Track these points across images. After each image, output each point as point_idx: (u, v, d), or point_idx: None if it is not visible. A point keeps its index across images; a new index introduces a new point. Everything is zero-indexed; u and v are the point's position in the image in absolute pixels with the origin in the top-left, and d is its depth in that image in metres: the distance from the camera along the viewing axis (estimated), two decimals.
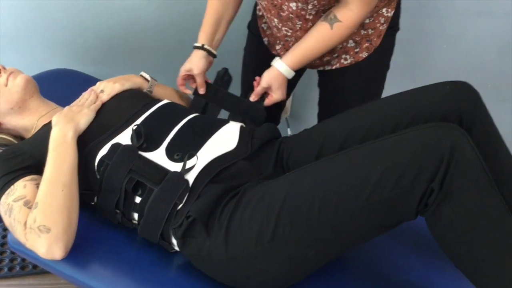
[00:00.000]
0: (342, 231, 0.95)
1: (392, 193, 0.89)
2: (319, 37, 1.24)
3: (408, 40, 1.88)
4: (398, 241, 1.18)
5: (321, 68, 1.41)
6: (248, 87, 1.39)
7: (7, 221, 1.06)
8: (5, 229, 1.70)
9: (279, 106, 1.66)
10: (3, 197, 1.07)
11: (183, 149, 1.11)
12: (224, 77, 1.41)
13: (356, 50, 1.33)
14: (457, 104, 1.04)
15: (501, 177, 1.00)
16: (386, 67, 1.43)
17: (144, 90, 1.34)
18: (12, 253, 1.62)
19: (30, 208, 1.04)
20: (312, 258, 0.99)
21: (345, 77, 1.39)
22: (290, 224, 0.94)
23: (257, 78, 1.33)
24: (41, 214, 1.01)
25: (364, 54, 1.34)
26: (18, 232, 1.04)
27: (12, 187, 1.07)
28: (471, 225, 0.88)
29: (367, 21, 1.29)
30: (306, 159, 1.14)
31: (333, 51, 1.34)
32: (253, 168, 1.13)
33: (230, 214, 0.99)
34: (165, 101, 1.27)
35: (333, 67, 1.38)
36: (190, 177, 1.06)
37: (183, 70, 1.36)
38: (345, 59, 1.35)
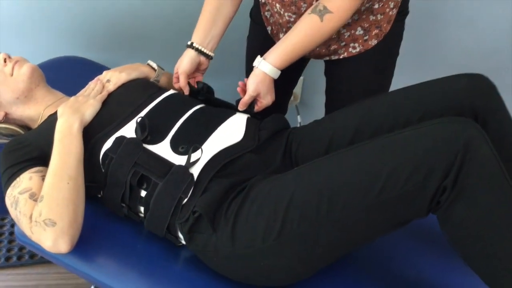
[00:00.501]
0: (351, 228, 0.93)
1: (403, 191, 0.86)
2: (307, 31, 1.14)
3: (421, 25, 1.84)
4: (408, 237, 1.16)
5: (327, 58, 1.36)
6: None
7: (13, 213, 1.06)
8: None
9: (286, 95, 1.63)
10: (9, 189, 1.06)
11: (188, 141, 1.09)
12: (203, 90, 1.32)
13: (365, 38, 1.28)
14: (472, 99, 1.00)
15: None
16: (396, 53, 1.37)
17: (151, 80, 1.32)
18: None
19: (35, 201, 1.03)
20: (320, 255, 0.97)
21: (354, 66, 1.33)
22: (298, 220, 0.92)
23: (240, 83, 1.24)
24: (46, 208, 1.00)
25: (374, 42, 1.28)
26: (24, 225, 1.03)
27: (18, 179, 1.06)
28: (484, 224, 0.86)
29: (376, 6, 1.23)
30: (315, 151, 1.12)
31: (340, 40, 1.29)
32: (261, 160, 1.11)
33: (236, 210, 0.98)
34: (171, 92, 1.25)
35: (341, 57, 1.33)
36: (195, 170, 1.04)
37: (175, 68, 1.31)
38: (354, 48, 1.30)
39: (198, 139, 1.10)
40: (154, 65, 1.34)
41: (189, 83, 1.31)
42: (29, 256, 1.57)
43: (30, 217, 1.01)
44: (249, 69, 1.49)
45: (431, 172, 0.84)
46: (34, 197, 1.03)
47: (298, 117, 2.08)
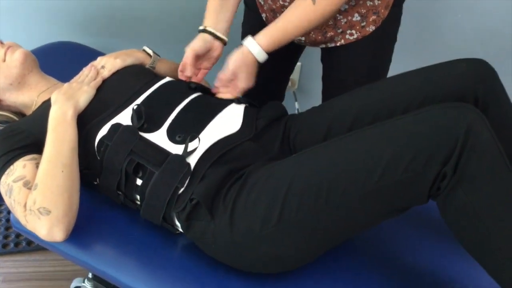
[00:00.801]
0: (351, 215, 0.92)
1: (403, 176, 0.85)
2: (300, 15, 1.11)
3: (419, 9, 1.82)
4: (407, 223, 1.16)
5: (324, 46, 1.33)
6: None
7: (7, 201, 1.05)
8: None
9: (283, 82, 1.60)
10: (3, 177, 1.05)
11: (185, 130, 1.07)
12: (196, 90, 1.23)
13: (362, 24, 1.25)
14: (472, 84, 0.99)
15: None
16: (394, 39, 1.35)
17: (147, 66, 1.30)
18: None
19: (29, 189, 1.02)
20: (319, 242, 0.97)
21: (351, 53, 1.30)
22: (297, 207, 0.91)
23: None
24: (40, 196, 0.99)
25: (371, 28, 1.25)
26: (18, 213, 1.02)
27: (11, 167, 1.05)
28: (485, 211, 0.85)
29: None
30: (314, 139, 1.10)
31: (337, 26, 1.26)
32: (259, 148, 1.10)
33: (235, 197, 0.97)
34: (167, 79, 1.23)
35: (338, 44, 1.30)
36: (192, 160, 1.03)
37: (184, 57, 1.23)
38: (351, 35, 1.26)
39: (195, 128, 1.08)
40: (150, 51, 1.32)
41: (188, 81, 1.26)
42: (26, 243, 1.57)
43: (25, 206, 1.01)
44: None
45: (431, 158, 0.83)
46: (28, 185, 1.02)
47: (296, 103, 2.06)
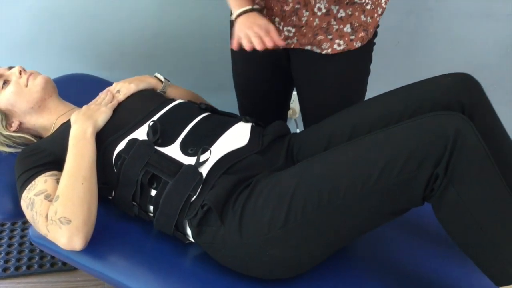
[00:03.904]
0: (352, 216, 0.98)
1: (399, 179, 0.92)
2: None
3: (412, 42, 1.91)
4: (406, 229, 1.21)
5: (309, 47, 1.31)
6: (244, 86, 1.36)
7: (28, 214, 1.11)
8: (24, 229, 1.75)
9: (284, 107, 1.67)
10: (25, 192, 1.11)
11: (196, 144, 1.14)
12: (207, 110, 1.30)
13: (351, 37, 1.28)
14: (458, 95, 1.07)
15: (505, 169, 1.00)
16: (367, 73, 1.41)
17: (158, 91, 1.38)
18: (31, 251, 1.67)
19: (51, 201, 1.08)
20: (322, 244, 1.02)
21: (330, 67, 1.32)
22: (302, 209, 0.97)
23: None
24: (62, 207, 1.05)
25: (358, 44, 1.29)
26: (39, 224, 1.08)
27: (33, 182, 1.11)
28: (477, 208, 0.91)
29: (368, 7, 1.25)
30: (315, 151, 1.17)
31: (328, 32, 1.27)
32: (265, 160, 1.17)
33: (243, 203, 1.03)
34: (180, 100, 1.31)
35: (323, 52, 1.30)
36: (204, 170, 1.09)
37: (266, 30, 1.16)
38: (339, 45, 1.28)
39: (206, 142, 1.15)
40: (161, 77, 1.41)
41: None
42: (38, 265, 1.62)
43: (46, 216, 1.06)
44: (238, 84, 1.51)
45: (424, 160, 0.90)
46: (50, 197, 1.08)
47: (297, 130, 2.14)
